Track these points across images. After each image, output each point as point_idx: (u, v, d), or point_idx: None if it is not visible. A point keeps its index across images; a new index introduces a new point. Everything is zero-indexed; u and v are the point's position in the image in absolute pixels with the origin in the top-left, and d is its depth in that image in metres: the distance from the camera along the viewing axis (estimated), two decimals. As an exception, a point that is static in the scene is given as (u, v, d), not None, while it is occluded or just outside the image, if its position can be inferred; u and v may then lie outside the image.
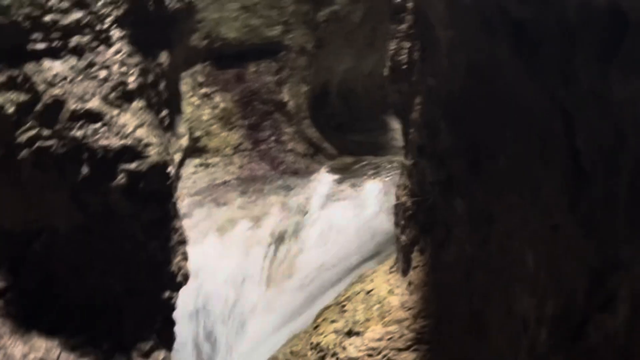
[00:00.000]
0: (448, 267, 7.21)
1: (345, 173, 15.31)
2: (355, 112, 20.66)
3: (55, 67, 7.04)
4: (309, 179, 15.25)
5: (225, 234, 13.05)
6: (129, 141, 7.06)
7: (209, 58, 15.39)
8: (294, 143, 16.45)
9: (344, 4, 17.21)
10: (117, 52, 7.37)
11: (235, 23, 15.84)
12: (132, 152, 7.05)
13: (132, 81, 7.32)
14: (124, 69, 7.34)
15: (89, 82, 7.13)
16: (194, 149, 14.70)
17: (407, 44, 8.60)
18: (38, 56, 7.04)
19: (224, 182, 14.82)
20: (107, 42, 7.34)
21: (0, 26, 7.00)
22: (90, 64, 7.20)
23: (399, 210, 8.77)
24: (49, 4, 7.11)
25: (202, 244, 12.43)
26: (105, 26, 7.33)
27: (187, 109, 13.48)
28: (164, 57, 8.01)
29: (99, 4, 7.34)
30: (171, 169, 7.21)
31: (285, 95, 16.55)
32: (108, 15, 7.37)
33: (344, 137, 19.93)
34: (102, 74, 7.21)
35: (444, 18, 6.88)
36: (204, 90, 15.19)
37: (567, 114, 4.59)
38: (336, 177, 15.02)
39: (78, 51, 7.18)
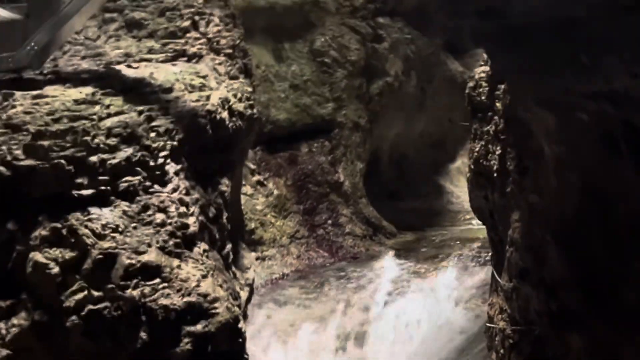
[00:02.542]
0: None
1: (409, 256, 14.17)
2: (408, 177, 19.65)
3: (104, 215, 6.05)
4: (371, 266, 14.11)
5: (289, 341, 11.91)
6: (192, 298, 6.02)
7: (260, 143, 14.43)
8: (351, 225, 15.39)
9: (397, 75, 16.27)
10: (174, 190, 6.39)
11: (285, 104, 14.92)
12: (197, 310, 6.01)
13: (192, 223, 6.32)
14: (182, 209, 6.35)
15: (144, 230, 6.12)
16: (249, 242, 13.68)
17: (496, 149, 7.58)
18: (84, 204, 6.06)
19: (283, 276, 13.75)
20: (162, 179, 6.37)
21: (40, 171, 6.03)
22: (144, 208, 6.21)
23: (493, 333, 7.75)
24: (95, 141, 6.15)
25: (266, 355, 11.35)
26: (159, 162, 6.36)
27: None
28: (225, 184, 7.03)
29: (151, 136, 6.37)
30: (242, 325, 6.14)
31: (340, 175, 15.55)
32: (162, 148, 6.40)
33: (398, 205, 18.88)
34: (158, 218, 6.21)
35: (554, 132, 5.92)
36: (256, 178, 14.20)
37: None
38: (400, 262, 13.86)
39: (129, 194, 6.20)
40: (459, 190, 20.07)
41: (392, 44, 15.97)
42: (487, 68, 7.77)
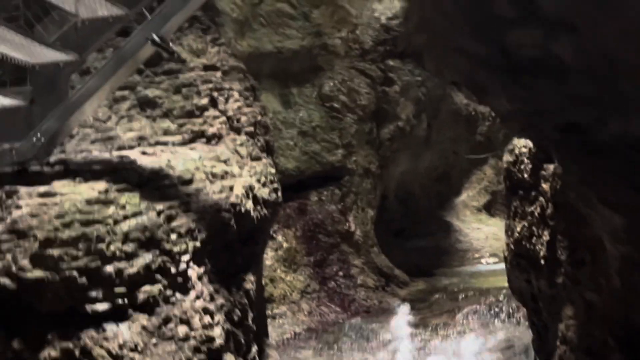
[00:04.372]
0: None
1: (424, 311, 13.53)
2: (414, 214, 19.10)
3: (121, 333, 5.41)
4: (385, 321, 13.43)
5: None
6: None
7: (268, 193, 13.80)
8: (363, 276, 14.75)
9: (408, 118, 15.68)
10: (198, 296, 5.76)
11: (294, 151, 14.28)
12: None
13: (218, 335, 5.69)
14: (206, 319, 5.72)
15: (165, 347, 5.49)
16: (258, 300, 13.03)
17: (542, 233, 6.99)
18: (99, 320, 5.43)
19: (295, 336, 13.07)
20: (184, 286, 5.74)
21: (49, 284, 5.39)
22: (165, 320, 5.58)
23: None
24: (111, 249, 5.51)
25: None
26: (182, 267, 5.72)
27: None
28: (250, 281, 6.40)
29: (172, 238, 5.74)
30: None
31: (351, 224, 14.91)
32: (183, 252, 5.77)
33: (405, 244, 18.30)
34: (181, 331, 5.58)
35: (621, 232, 5.34)
36: (265, 231, 13.56)
37: None
38: (416, 319, 13.19)
39: (149, 306, 5.56)
40: (466, 227, 19.56)
41: (402, 87, 15.38)
42: (527, 143, 7.17)
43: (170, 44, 5.98)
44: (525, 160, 7.18)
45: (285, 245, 13.94)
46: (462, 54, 3.65)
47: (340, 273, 14.57)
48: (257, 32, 14.61)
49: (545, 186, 6.82)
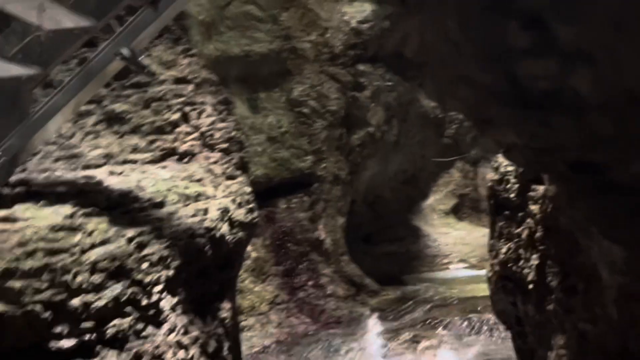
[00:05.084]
0: None
1: (396, 321, 13.31)
2: (383, 219, 18.92)
3: (89, 374, 5.00)
4: (357, 333, 13.17)
5: None
6: None
7: (236, 202, 13.43)
8: (333, 286, 14.49)
9: (378, 124, 15.42)
10: (171, 330, 5.38)
11: (262, 158, 13.94)
12: None
13: (192, 370, 5.31)
14: (181, 354, 5.34)
15: (137, 387, 5.09)
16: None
17: (531, 257, 6.74)
18: (65, 357, 5.01)
19: (264, 349, 12.75)
20: (157, 319, 5.35)
21: (9, 319, 4.96)
22: (137, 357, 5.18)
23: None
24: (77, 280, 5.11)
25: None
26: (154, 298, 5.34)
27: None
28: (226, 309, 6.04)
29: (143, 267, 5.35)
30: None
31: (321, 232, 14.63)
32: (156, 282, 5.39)
33: (374, 250, 18.10)
34: (153, 368, 5.18)
35: (620, 263, 5.12)
36: (232, 242, 13.18)
37: None
38: (388, 330, 12.95)
39: (118, 342, 5.16)
40: (434, 231, 19.45)
41: (373, 92, 15.13)
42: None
43: (142, 57, 5.57)
44: (512, 180, 6.92)
45: (253, 254, 13.63)
46: (467, 83, 3.34)
47: (310, 283, 14.31)
48: (224, 35, 14.26)
49: (534, 208, 6.55)
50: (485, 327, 12.36)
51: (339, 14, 15.00)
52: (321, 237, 14.44)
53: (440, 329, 12.68)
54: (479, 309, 12.57)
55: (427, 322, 12.99)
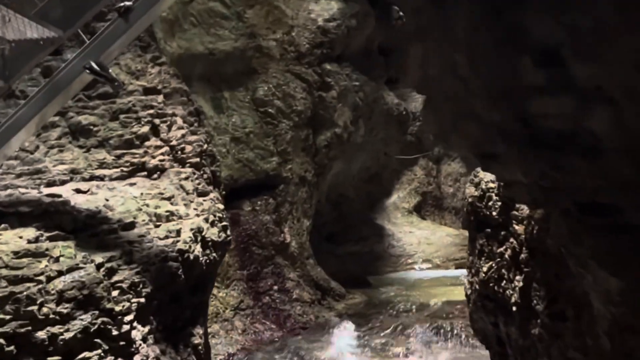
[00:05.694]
0: None
1: (363, 326, 13.10)
2: (346, 218, 18.73)
3: (55, 410, 4.68)
4: (323, 340, 12.93)
5: None
6: None
7: (199, 204, 13.06)
8: (299, 290, 14.20)
9: (345, 125, 15.16)
10: (142, 362, 5.07)
11: (226, 159, 13.55)
12: None
13: (165, 407, 5.01)
14: (153, 387, 5.03)
15: (106, 422, 4.78)
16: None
17: (514, 278, 6.55)
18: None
19: (229, 357, 12.44)
20: (128, 350, 5.05)
21: (-29, 353, 4.62)
22: (106, 395, 4.86)
23: None
24: (44, 311, 4.78)
25: None
26: (124, 329, 5.02)
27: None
28: (199, 335, 5.75)
29: (114, 295, 5.04)
30: None
31: (286, 235, 14.33)
32: (126, 311, 5.07)
33: (338, 249, 17.89)
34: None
35: (615, 294, 4.96)
36: (196, 245, 12.83)
37: None
38: (355, 337, 12.74)
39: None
40: (398, 230, 19.32)
41: (340, 92, 14.85)
42: (493, 177, 6.69)
43: (110, 70, 5.24)
44: (494, 197, 6.72)
45: (217, 259, 13.25)
46: (474, 120, 3.11)
47: (275, 287, 14.03)
48: (187, 32, 13.87)
49: (518, 228, 6.36)
50: (453, 333, 12.24)
51: (306, 11, 14.70)
52: (286, 240, 14.16)
53: (408, 336, 12.53)
54: (444, 315, 12.48)
55: (396, 328, 12.82)
